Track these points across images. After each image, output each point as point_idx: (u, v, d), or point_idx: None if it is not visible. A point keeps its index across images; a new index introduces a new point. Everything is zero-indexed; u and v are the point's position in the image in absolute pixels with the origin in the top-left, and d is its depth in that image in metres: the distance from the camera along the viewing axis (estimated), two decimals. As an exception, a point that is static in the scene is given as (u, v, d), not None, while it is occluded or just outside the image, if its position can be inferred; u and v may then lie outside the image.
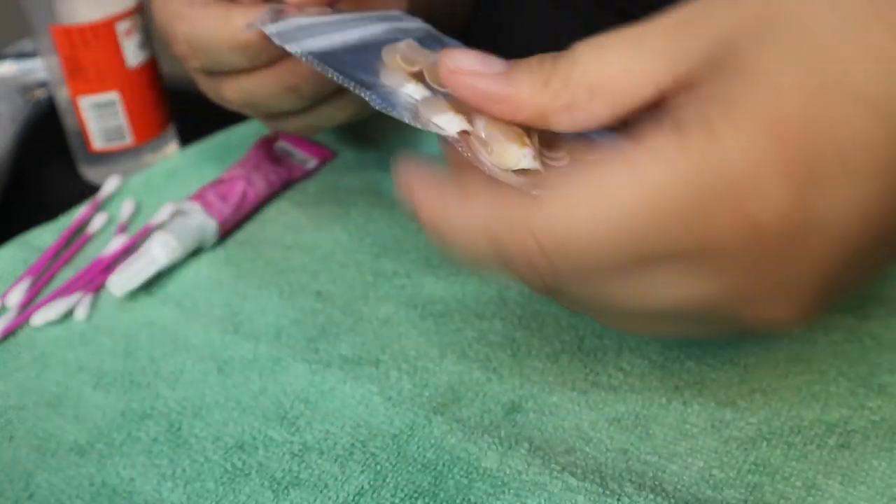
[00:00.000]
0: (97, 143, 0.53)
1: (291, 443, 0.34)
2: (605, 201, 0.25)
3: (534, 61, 0.29)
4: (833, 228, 0.25)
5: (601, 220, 0.25)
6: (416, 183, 0.29)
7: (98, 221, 0.49)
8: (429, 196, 0.29)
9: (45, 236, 0.48)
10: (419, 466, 0.33)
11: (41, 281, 0.45)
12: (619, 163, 0.25)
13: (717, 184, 0.24)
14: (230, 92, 0.42)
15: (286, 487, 0.32)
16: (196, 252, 0.46)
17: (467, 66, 0.29)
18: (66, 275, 0.45)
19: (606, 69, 0.27)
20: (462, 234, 0.28)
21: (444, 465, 0.33)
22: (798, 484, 0.30)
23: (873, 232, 0.25)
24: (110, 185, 0.51)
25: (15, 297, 0.43)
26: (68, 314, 0.42)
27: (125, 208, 0.50)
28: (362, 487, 0.32)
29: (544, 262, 0.26)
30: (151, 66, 0.53)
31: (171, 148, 0.56)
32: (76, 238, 0.48)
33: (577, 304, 0.30)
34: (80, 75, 0.50)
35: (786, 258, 0.25)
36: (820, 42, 0.25)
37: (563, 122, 0.28)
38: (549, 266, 0.26)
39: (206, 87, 0.44)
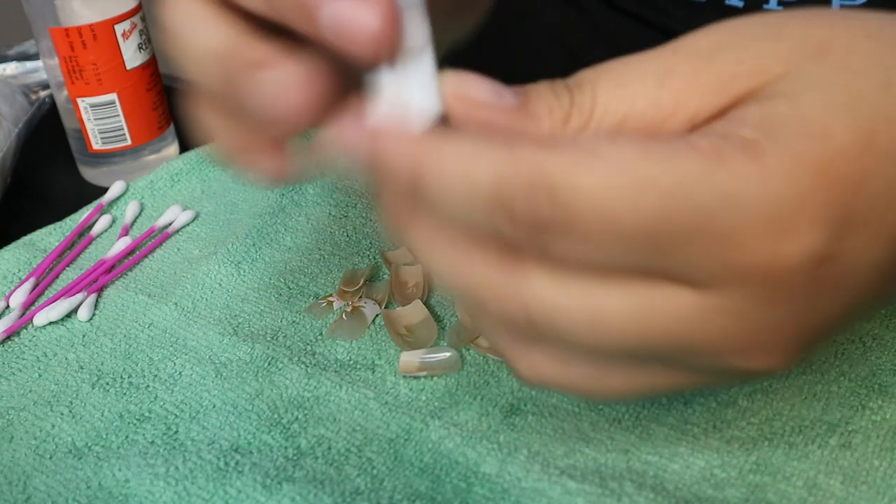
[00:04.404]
0: (96, 143, 0.53)
1: (286, 447, 0.34)
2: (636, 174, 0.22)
3: (547, 92, 0.25)
4: (850, 285, 0.24)
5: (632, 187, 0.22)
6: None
7: (102, 223, 0.49)
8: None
9: (49, 238, 0.48)
10: (416, 471, 0.32)
11: (45, 282, 0.45)
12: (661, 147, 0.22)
13: (753, 208, 0.22)
14: None
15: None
16: (195, 254, 0.46)
17: (479, 96, 0.24)
18: (70, 276, 0.45)
19: (632, 103, 0.24)
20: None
21: (441, 469, 0.32)
22: (799, 484, 0.30)
23: (878, 291, 0.24)
24: (116, 188, 0.52)
25: (18, 298, 0.43)
26: (71, 314, 0.43)
27: (129, 211, 0.50)
28: (358, 491, 0.32)
29: (550, 209, 0.22)
30: (151, 67, 0.53)
31: (171, 149, 0.56)
32: (80, 240, 0.49)
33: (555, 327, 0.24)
34: (80, 76, 0.50)
35: (797, 305, 0.23)
36: (865, 87, 0.23)
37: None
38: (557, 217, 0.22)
39: None
